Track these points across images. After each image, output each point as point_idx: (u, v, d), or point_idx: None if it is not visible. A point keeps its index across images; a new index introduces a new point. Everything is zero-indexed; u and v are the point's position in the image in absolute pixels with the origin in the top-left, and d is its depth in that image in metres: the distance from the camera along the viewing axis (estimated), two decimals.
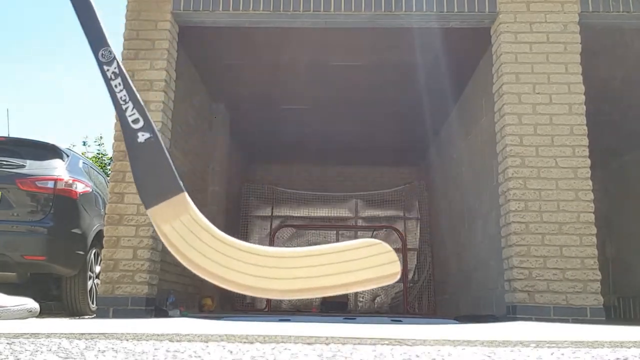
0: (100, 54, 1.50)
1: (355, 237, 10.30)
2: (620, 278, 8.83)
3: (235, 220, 9.72)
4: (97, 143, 22.25)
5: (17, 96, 40.29)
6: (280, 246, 9.51)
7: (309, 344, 0.89)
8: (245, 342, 0.90)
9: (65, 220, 5.13)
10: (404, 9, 5.09)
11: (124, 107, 1.45)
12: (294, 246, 9.72)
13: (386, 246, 1.05)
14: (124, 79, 1.49)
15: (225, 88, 7.35)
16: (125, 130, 1.37)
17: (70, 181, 5.25)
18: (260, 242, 10.04)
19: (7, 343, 0.81)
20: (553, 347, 0.92)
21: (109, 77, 1.48)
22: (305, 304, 9.99)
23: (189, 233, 1.13)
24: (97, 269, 5.62)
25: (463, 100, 7.15)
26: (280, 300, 9.96)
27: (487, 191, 5.90)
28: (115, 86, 1.46)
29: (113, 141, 5.01)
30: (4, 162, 5.08)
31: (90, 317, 5.29)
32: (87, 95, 46.40)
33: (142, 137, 1.39)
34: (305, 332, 1.17)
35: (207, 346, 0.84)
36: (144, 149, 1.38)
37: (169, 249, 1.13)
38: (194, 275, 1.17)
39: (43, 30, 45.62)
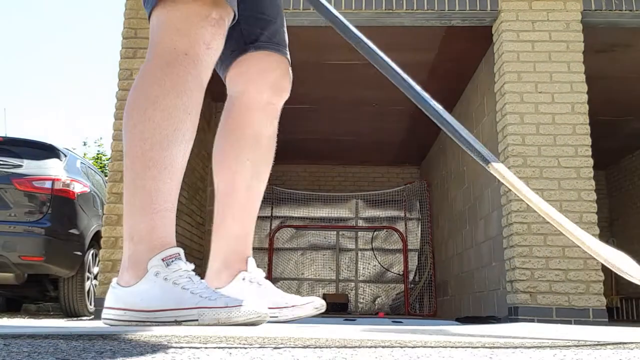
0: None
1: (356, 238, 10.29)
2: (622, 279, 8.79)
3: None
4: (96, 144, 22.40)
5: (17, 95, 40.34)
6: (280, 247, 9.40)
7: (308, 345, 0.86)
8: (244, 344, 0.87)
9: (62, 221, 5.10)
10: (405, 8, 5.06)
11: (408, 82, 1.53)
12: (294, 247, 9.61)
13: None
14: None
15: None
16: (425, 102, 1.50)
17: (68, 181, 5.22)
18: (260, 243, 10.01)
19: (4, 344, 0.78)
20: (555, 348, 0.89)
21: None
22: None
23: (523, 188, 1.42)
24: (95, 269, 5.59)
25: (464, 100, 7.13)
26: None
27: (489, 191, 5.87)
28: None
29: (112, 141, 4.98)
30: (1, 162, 5.05)
31: (88, 318, 5.26)
32: (89, 96, 46.44)
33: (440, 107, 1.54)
34: (305, 334, 1.13)
35: (206, 347, 0.81)
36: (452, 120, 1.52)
37: (515, 191, 1.42)
38: None
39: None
